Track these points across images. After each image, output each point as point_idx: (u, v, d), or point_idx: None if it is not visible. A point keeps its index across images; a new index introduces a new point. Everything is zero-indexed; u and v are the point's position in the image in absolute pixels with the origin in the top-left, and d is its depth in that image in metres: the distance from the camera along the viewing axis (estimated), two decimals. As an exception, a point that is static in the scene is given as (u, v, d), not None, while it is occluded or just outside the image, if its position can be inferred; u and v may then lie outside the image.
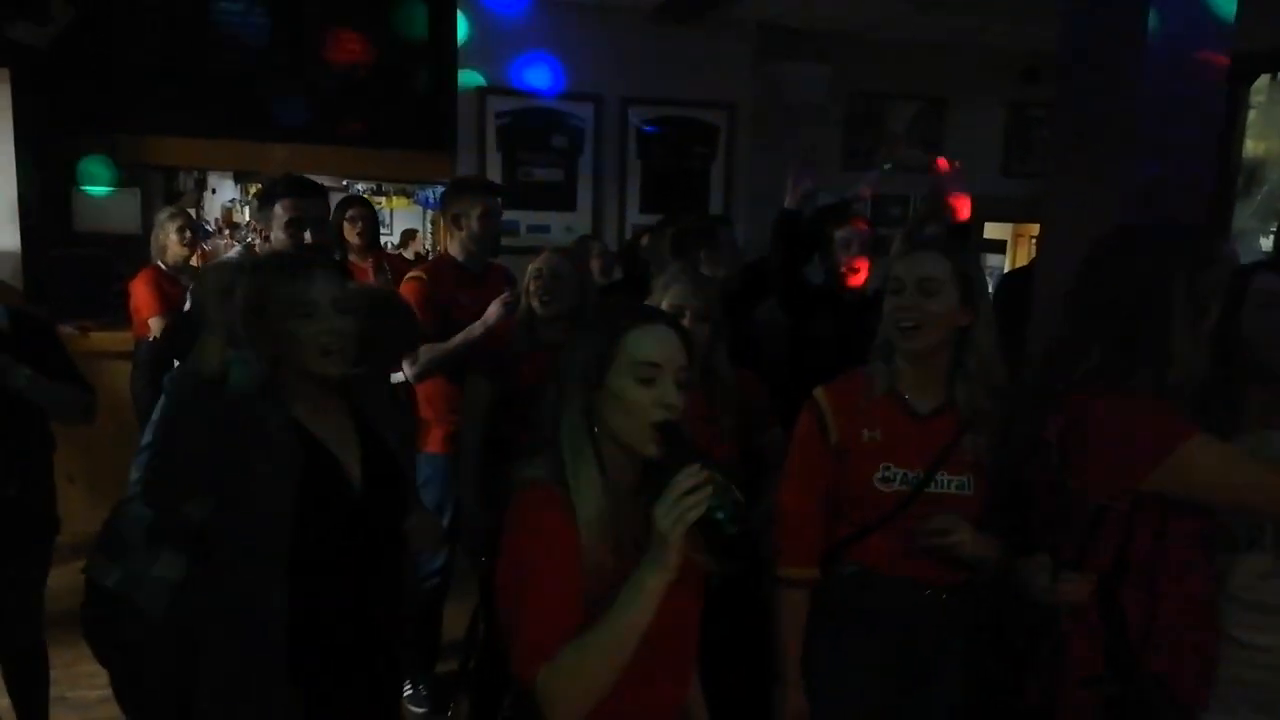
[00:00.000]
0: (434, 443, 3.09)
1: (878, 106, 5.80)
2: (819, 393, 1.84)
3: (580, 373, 1.35)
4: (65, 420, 2.53)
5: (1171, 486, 1.51)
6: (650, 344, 1.34)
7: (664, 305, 2.23)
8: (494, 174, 5.18)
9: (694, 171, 5.50)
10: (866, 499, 1.76)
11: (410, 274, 3.18)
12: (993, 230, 7.39)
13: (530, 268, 2.71)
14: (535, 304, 2.67)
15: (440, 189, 9.26)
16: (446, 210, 3.21)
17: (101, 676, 3.32)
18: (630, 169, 5.41)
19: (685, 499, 1.18)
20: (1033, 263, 4.92)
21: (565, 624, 1.24)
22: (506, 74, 5.09)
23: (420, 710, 3.18)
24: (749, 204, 5.40)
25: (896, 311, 1.75)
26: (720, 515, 1.19)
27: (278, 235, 2.78)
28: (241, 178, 7.55)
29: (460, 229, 3.12)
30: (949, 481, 1.75)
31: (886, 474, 1.75)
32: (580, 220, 5.32)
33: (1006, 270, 7.87)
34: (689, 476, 1.20)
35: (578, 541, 1.29)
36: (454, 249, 3.20)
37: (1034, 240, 6.69)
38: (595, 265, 3.89)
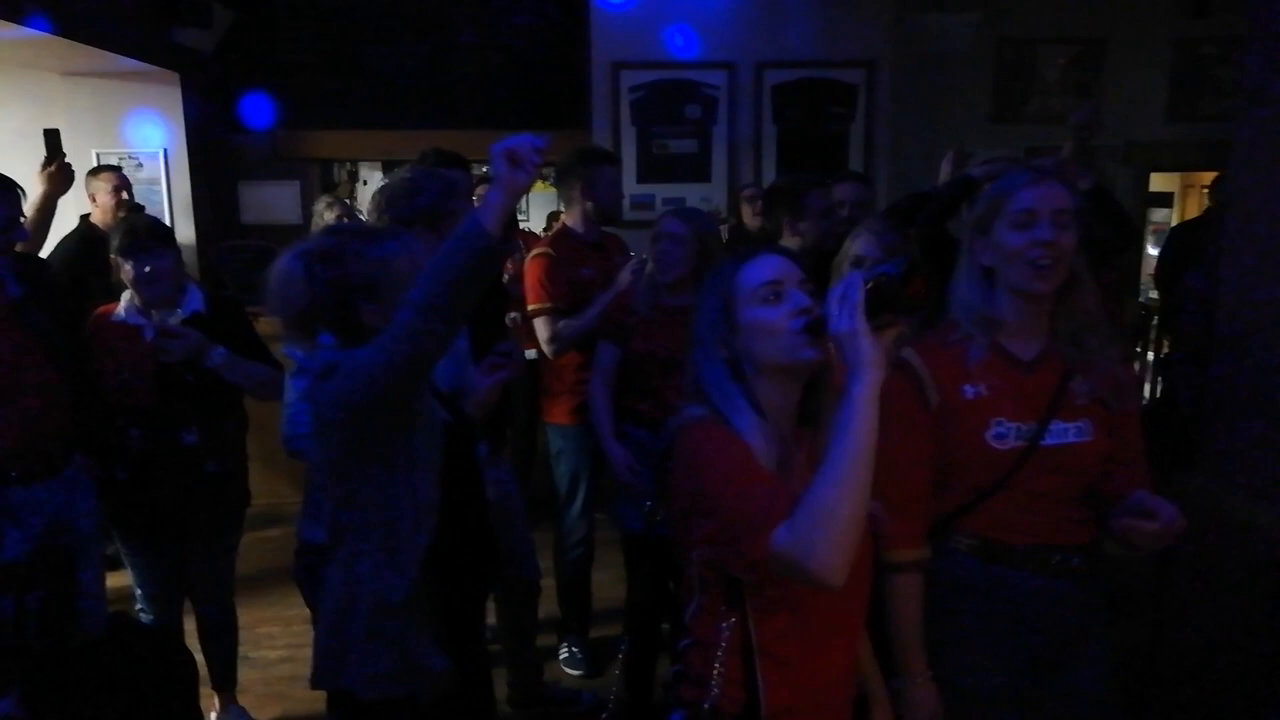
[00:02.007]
0: (563, 414, 3.13)
1: (1028, 53, 5.47)
2: (909, 353, 1.67)
3: (711, 325, 1.35)
4: (259, 396, 2.68)
5: None
6: (761, 267, 1.34)
7: (850, 255, 2.22)
8: (629, 148, 5.19)
9: (832, 134, 5.35)
10: (979, 460, 1.61)
11: (536, 250, 3.18)
12: (1158, 182, 6.86)
13: (652, 232, 2.70)
14: (655, 269, 2.65)
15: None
16: (577, 178, 3.14)
17: (281, 638, 3.58)
18: (765, 135, 5.31)
19: (845, 296, 1.16)
20: (1206, 212, 4.57)
21: (779, 492, 1.21)
22: (639, 46, 5.08)
23: (576, 672, 3.24)
24: (891, 164, 5.21)
25: (1032, 248, 1.56)
26: (883, 277, 1.16)
27: None
28: (389, 169, 7.87)
29: (589, 198, 3.12)
30: (1066, 429, 1.60)
31: (1000, 429, 1.59)
32: (715, 191, 5.27)
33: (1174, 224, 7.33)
34: (837, 287, 1.18)
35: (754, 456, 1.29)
36: (572, 220, 3.20)
37: (1205, 190, 6.17)
38: (747, 210, 3.87)
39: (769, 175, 5.30)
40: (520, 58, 5.50)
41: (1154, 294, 5.59)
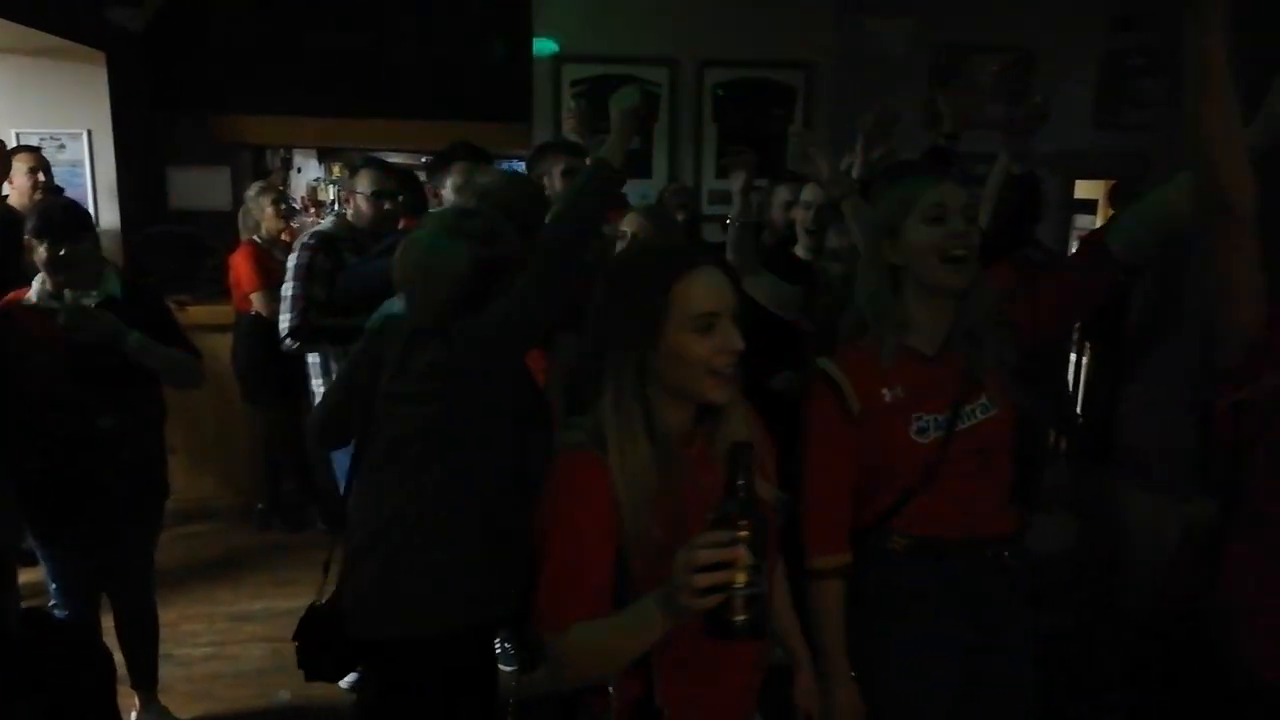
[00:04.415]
0: None
1: (962, 59, 5.60)
2: (827, 364, 1.68)
3: (629, 336, 1.25)
4: (176, 384, 2.62)
5: None
6: (702, 293, 1.24)
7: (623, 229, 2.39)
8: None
9: (771, 135, 5.39)
10: (906, 457, 1.64)
11: None
12: (1084, 189, 7.08)
13: (618, 229, 2.71)
14: None
15: (517, 163, 9.31)
16: (532, 174, 3.17)
17: (205, 635, 3.50)
18: (706, 134, 5.34)
19: (707, 576, 1.03)
20: (1110, 219, 4.69)
21: (582, 593, 1.23)
22: (582, 40, 5.06)
23: (507, 669, 3.22)
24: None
25: (947, 240, 1.58)
26: (733, 612, 1.04)
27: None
28: (325, 157, 7.71)
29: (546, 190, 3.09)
30: (974, 409, 1.64)
31: (920, 424, 1.63)
32: (657, 188, 5.27)
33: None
34: (717, 547, 1.03)
35: (613, 507, 1.24)
36: None
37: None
38: (669, 202, 3.89)
39: (709, 174, 5.34)
40: (462, 47, 5.44)
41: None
